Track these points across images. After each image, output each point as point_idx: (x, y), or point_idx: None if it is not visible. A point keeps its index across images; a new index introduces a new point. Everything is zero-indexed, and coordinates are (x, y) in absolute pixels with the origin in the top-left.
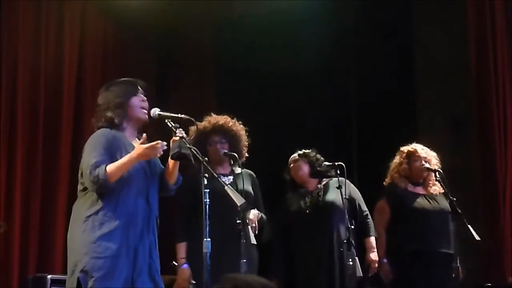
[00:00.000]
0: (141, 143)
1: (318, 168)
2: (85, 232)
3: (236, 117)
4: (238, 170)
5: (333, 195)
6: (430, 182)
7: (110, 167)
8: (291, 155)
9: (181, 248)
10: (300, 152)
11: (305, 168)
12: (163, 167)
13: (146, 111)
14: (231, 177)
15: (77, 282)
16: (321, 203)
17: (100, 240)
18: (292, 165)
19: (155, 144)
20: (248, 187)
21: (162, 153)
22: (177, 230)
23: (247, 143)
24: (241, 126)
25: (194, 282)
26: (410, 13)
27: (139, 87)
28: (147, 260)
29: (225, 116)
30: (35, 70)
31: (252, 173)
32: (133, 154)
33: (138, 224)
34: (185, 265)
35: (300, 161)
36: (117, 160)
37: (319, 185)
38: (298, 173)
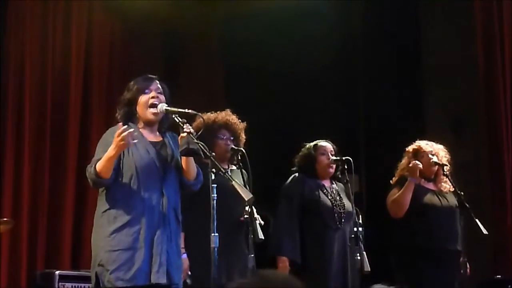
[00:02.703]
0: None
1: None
2: (101, 227)
3: (244, 113)
4: (233, 167)
5: (346, 198)
6: (442, 178)
7: (98, 164)
8: (296, 148)
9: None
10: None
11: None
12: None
13: (156, 109)
14: (228, 171)
15: (96, 276)
16: (343, 202)
17: (113, 233)
18: (324, 154)
19: (118, 133)
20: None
21: (131, 141)
22: None
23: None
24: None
25: (190, 273)
26: (418, 12)
27: (152, 84)
28: (163, 252)
29: (234, 116)
30: (42, 68)
31: (245, 172)
32: (108, 152)
33: (152, 216)
34: (184, 255)
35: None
36: (121, 153)
37: (333, 186)
38: (330, 163)
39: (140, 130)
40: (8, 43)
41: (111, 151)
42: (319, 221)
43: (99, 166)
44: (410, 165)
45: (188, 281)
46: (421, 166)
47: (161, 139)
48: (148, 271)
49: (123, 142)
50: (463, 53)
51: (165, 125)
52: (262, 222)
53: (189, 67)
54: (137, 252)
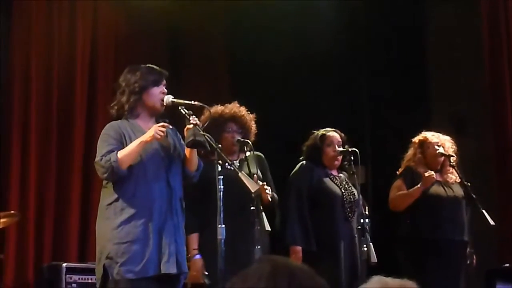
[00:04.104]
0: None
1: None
2: (108, 219)
3: (250, 105)
4: (241, 155)
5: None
6: (448, 169)
7: (121, 153)
8: (303, 141)
9: (193, 239)
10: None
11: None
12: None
13: (164, 103)
14: (237, 162)
15: (104, 269)
16: (353, 191)
17: (121, 225)
18: (330, 146)
19: (154, 127)
20: (256, 170)
21: (161, 135)
22: (188, 221)
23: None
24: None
25: (207, 273)
26: (423, 2)
27: (164, 79)
28: (172, 242)
29: (243, 107)
30: (48, 67)
31: (260, 153)
32: (141, 137)
33: (160, 206)
34: (198, 256)
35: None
36: (124, 146)
37: (340, 175)
38: (336, 155)
39: (138, 122)
40: (14, 42)
41: (145, 138)
42: (329, 211)
43: (122, 154)
44: (426, 174)
45: (206, 281)
46: (435, 178)
47: None
48: (158, 261)
49: (162, 133)
50: (469, 43)
51: (163, 115)
52: (276, 197)
53: (194, 62)
54: (146, 243)
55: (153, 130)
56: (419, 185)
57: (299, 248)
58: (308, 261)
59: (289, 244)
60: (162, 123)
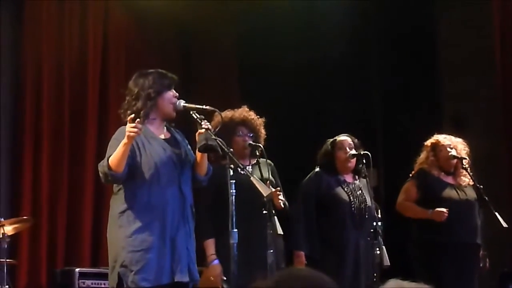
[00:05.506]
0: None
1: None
2: (122, 227)
3: (260, 107)
4: (253, 161)
5: (368, 195)
6: (461, 171)
7: (111, 157)
8: (314, 144)
9: (210, 245)
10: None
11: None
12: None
13: (176, 107)
14: (249, 167)
15: (118, 277)
16: (364, 198)
17: (135, 233)
18: (341, 149)
19: (131, 118)
20: (268, 175)
21: (134, 131)
22: (204, 227)
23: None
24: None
25: (225, 278)
26: (433, 4)
27: (174, 83)
28: (184, 250)
29: (252, 112)
30: (59, 68)
31: (270, 162)
32: (123, 140)
33: (173, 214)
34: (216, 261)
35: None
36: (136, 152)
37: (356, 182)
38: (348, 158)
39: (151, 128)
40: (25, 44)
41: (124, 140)
42: (335, 218)
43: (111, 158)
44: (440, 213)
45: (225, 286)
46: (445, 217)
47: (170, 135)
48: (171, 269)
49: (136, 129)
50: (480, 43)
51: (173, 121)
52: (287, 204)
53: (204, 66)
54: (160, 251)
55: (126, 131)
56: (429, 212)
57: (302, 253)
58: (311, 267)
59: (291, 248)
60: (130, 117)
